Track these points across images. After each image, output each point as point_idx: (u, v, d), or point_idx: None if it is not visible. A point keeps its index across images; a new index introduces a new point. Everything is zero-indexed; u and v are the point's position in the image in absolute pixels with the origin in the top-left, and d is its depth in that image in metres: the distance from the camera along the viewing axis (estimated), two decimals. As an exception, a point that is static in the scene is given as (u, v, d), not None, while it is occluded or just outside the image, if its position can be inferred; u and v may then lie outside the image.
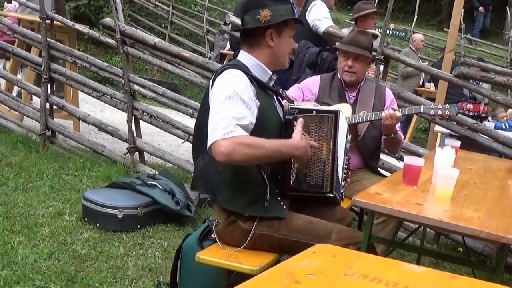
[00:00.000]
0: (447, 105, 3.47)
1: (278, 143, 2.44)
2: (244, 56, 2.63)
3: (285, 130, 2.59)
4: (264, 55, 2.61)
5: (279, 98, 2.75)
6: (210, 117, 2.40)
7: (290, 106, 2.68)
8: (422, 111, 3.41)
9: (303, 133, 2.57)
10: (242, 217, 2.57)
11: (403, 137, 3.58)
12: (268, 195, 2.56)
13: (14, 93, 6.37)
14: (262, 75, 2.62)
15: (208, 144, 2.36)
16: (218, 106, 2.39)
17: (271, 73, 2.65)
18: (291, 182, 2.65)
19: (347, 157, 2.89)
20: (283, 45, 2.64)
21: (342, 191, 2.87)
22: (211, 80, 2.57)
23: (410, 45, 9.69)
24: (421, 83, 9.33)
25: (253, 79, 2.52)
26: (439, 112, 3.35)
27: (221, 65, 2.66)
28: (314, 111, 2.68)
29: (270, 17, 2.55)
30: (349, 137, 2.90)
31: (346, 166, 2.89)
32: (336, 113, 2.69)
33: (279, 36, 2.60)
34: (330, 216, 2.82)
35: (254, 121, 2.41)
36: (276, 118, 2.62)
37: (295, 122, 2.57)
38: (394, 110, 3.28)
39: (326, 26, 4.66)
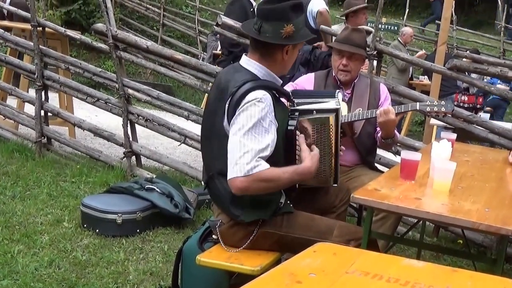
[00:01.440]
0: (442, 101, 3.47)
1: (291, 172, 2.44)
2: (252, 65, 2.56)
3: (288, 141, 2.55)
4: (275, 66, 2.58)
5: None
6: (232, 146, 2.38)
7: (290, 109, 2.65)
8: (418, 108, 3.40)
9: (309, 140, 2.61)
10: None
11: (398, 136, 3.59)
12: (283, 204, 2.62)
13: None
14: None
15: (228, 177, 2.36)
16: (241, 137, 2.36)
17: (281, 81, 2.64)
18: (297, 184, 2.68)
19: (341, 130, 2.88)
20: (293, 57, 2.64)
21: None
22: (230, 96, 2.44)
23: (399, 38, 9.66)
24: (409, 76, 9.33)
25: (272, 89, 2.50)
26: (435, 109, 3.34)
27: (238, 80, 2.48)
28: (314, 111, 2.66)
29: (293, 33, 2.51)
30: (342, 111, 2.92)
31: (341, 135, 2.87)
32: (336, 111, 2.68)
33: (293, 50, 2.59)
34: (327, 191, 2.94)
35: (274, 144, 2.42)
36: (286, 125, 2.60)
37: (297, 131, 2.56)
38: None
39: (319, 7, 4.96)
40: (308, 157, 2.49)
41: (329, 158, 2.74)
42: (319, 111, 2.67)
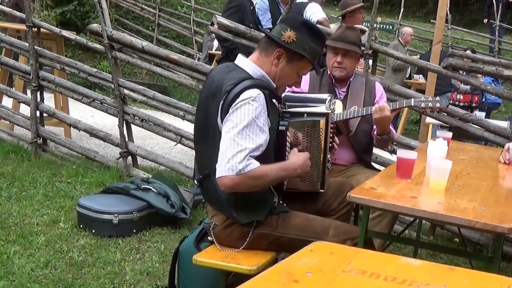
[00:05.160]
0: (437, 97, 3.48)
1: (277, 168, 2.48)
2: (248, 65, 2.56)
3: (278, 141, 2.58)
4: (267, 68, 2.56)
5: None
6: (225, 144, 2.37)
7: (281, 110, 2.66)
8: (413, 104, 3.42)
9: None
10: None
11: (395, 132, 3.59)
12: (276, 203, 2.62)
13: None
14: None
15: (218, 175, 2.37)
16: (235, 135, 2.36)
17: (275, 85, 2.60)
18: (285, 186, 2.70)
19: (331, 125, 2.86)
20: (287, 74, 2.60)
21: (329, 163, 2.90)
22: (225, 94, 2.43)
23: (399, 38, 9.67)
24: (407, 75, 9.33)
25: (266, 90, 2.49)
26: (430, 104, 3.35)
27: (233, 78, 2.48)
28: (305, 114, 2.68)
29: (291, 42, 2.52)
30: (333, 106, 2.91)
31: (331, 135, 2.87)
32: (327, 115, 2.70)
33: (287, 63, 2.56)
34: (324, 193, 2.88)
35: (266, 144, 2.43)
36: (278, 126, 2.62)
37: (287, 132, 2.59)
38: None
39: (319, 16, 5.02)
40: (292, 154, 2.56)
41: (317, 163, 2.74)
42: (310, 114, 2.69)
